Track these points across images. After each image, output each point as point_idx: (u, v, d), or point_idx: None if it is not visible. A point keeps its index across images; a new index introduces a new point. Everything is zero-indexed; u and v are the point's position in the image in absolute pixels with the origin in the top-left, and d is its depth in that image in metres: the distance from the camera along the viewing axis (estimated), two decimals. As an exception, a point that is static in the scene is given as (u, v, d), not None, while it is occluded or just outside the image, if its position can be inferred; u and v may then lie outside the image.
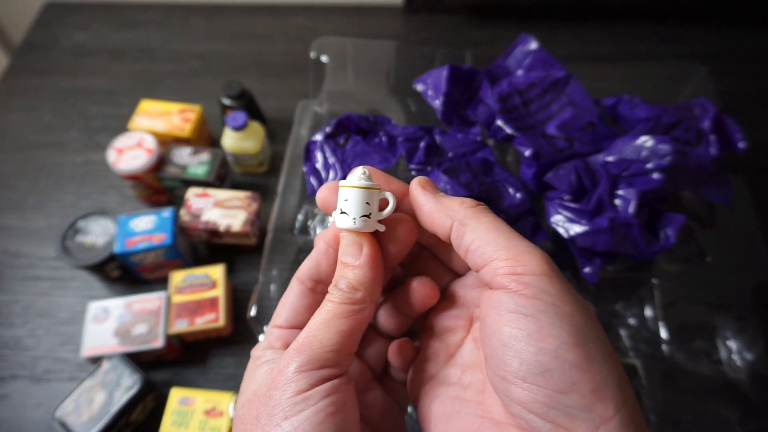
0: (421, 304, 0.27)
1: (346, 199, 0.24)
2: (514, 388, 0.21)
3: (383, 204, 0.25)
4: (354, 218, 0.24)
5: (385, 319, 0.28)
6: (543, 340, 0.20)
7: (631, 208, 0.44)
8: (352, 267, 0.24)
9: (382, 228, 0.25)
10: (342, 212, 0.24)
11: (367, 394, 0.27)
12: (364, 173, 0.25)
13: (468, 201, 0.25)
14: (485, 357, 0.23)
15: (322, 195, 0.26)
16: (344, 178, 0.47)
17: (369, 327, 0.29)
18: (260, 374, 0.25)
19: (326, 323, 0.23)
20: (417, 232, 0.26)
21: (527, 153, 0.47)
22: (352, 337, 0.23)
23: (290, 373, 0.22)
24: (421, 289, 0.27)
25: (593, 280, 0.44)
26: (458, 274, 0.29)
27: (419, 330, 0.30)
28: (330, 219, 0.53)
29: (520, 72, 0.54)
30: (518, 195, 0.46)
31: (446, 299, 0.28)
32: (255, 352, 0.26)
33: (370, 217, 0.24)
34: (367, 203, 0.24)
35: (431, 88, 0.51)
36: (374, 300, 0.24)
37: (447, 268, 0.28)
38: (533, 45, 0.54)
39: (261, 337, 0.47)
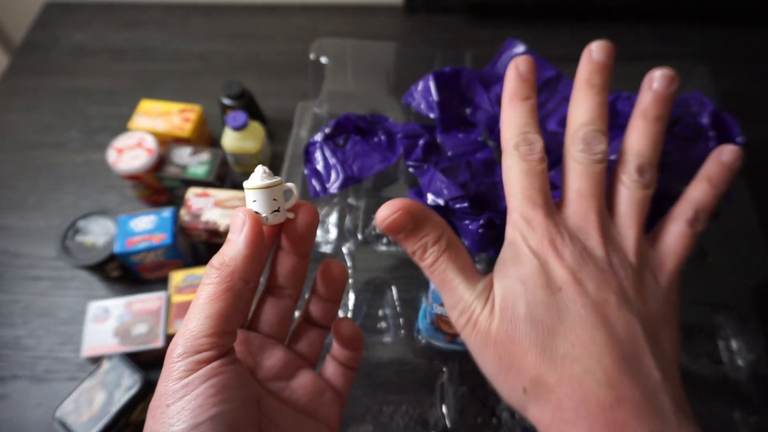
0: (332, 283, 0.29)
1: (255, 200, 0.26)
2: None
3: (288, 194, 0.27)
4: (266, 216, 0.26)
5: (312, 307, 0.30)
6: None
7: None
8: (231, 242, 0.25)
9: (291, 215, 0.27)
10: (254, 212, 0.26)
11: (294, 380, 0.29)
12: (265, 171, 0.27)
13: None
14: None
15: (384, 215, 0.28)
16: (346, 178, 0.47)
17: (302, 319, 0.31)
18: None
19: (198, 309, 0.24)
20: (317, 215, 0.28)
21: None
22: (224, 318, 0.24)
23: (170, 364, 0.23)
24: (326, 269, 0.29)
25: None
26: None
27: None
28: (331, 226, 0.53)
29: None
30: (518, 195, 0.46)
31: None
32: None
33: (279, 211, 0.26)
34: (274, 199, 0.26)
35: (423, 101, 0.51)
36: (246, 279, 0.25)
37: None
38: (520, 48, 0.54)
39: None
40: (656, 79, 0.29)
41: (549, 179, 0.28)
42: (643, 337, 0.25)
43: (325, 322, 0.30)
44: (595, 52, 0.30)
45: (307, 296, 0.31)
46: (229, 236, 0.26)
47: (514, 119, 0.29)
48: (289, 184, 0.27)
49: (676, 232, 0.29)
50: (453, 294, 0.28)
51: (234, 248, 0.25)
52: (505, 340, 0.26)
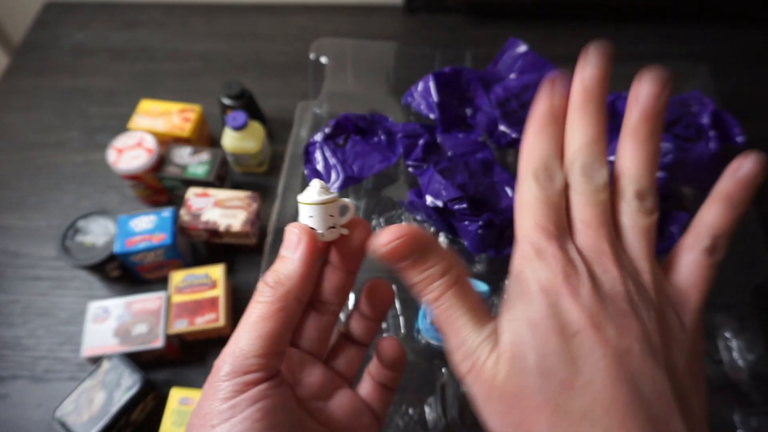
0: (379, 304, 0.28)
1: (311, 216, 0.25)
2: None
3: (343, 210, 0.27)
4: (322, 233, 0.25)
5: (354, 325, 0.29)
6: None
7: None
8: (285, 260, 0.25)
9: (346, 231, 0.26)
10: (310, 228, 0.26)
11: (332, 401, 0.28)
12: (322, 186, 0.26)
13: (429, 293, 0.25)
14: None
15: (385, 241, 0.25)
16: (347, 178, 0.47)
17: (341, 336, 0.30)
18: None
19: (250, 327, 0.23)
20: (371, 232, 0.27)
21: None
22: (276, 338, 0.23)
23: (216, 382, 0.23)
24: (374, 289, 0.28)
25: None
26: None
27: None
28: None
29: (512, 76, 0.53)
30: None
31: None
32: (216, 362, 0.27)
33: (335, 227, 0.26)
34: (330, 215, 0.25)
35: (423, 102, 0.51)
36: (300, 299, 0.24)
37: None
38: (522, 48, 0.54)
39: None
40: (645, 84, 0.25)
41: (565, 216, 0.25)
42: (672, 397, 0.22)
43: (365, 340, 0.29)
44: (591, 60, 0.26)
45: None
46: (283, 252, 0.25)
47: (539, 148, 0.26)
48: (346, 200, 0.27)
49: (693, 264, 0.25)
50: (456, 335, 0.24)
51: (289, 266, 0.24)
52: (514, 393, 0.22)
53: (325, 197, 0.25)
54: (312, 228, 0.25)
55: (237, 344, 0.23)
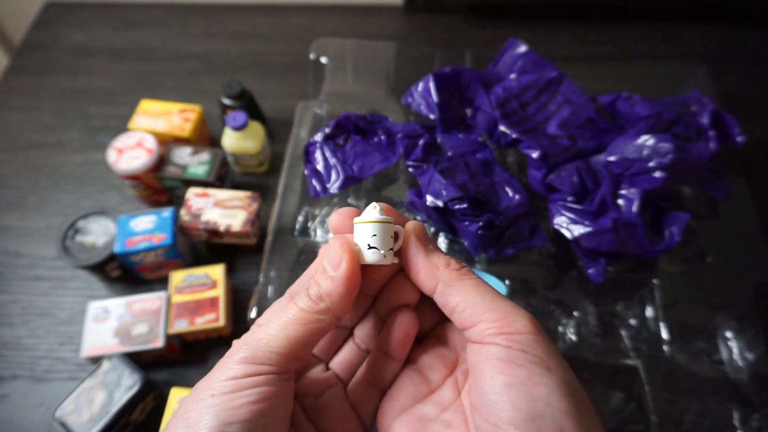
0: (401, 335, 0.28)
1: (375, 235, 0.25)
2: None
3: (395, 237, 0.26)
4: (384, 253, 0.25)
5: (363, 333, 0.29)
6: (535, 388, 0.22)
7: (635, 208, 0.44)
8: (327, 277, 0.25)
9: (396, 260, 0.26)
10: (371, 247, 0.25)
11: (322, 398, 0.28)
12: (380, 208, 0.26)
13: (453, 262, 0.26)
14: (473, 404, 0.24)
15: (335, 221, 0.27)
16: (346, 178, 0.47)
17: (355, 346, 0.30)
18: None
19: (281, 325, 0.24)
20: (398, 264, 0.27)
21: (535, 155, 0.47)
22: (303, 344, 0.24)
23: (232, 360, 0.24)
24: (401, 321, 0.27)
25: (599, 280, 0.44)
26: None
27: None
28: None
29: (513, 76, 0.53)
30: (517, 197, 0.46)
31: (434, 337, 0.29)
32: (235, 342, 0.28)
33: (392, 250, 0.25)
34: (391, 237, 0.25)
35: (423, 102, 0.51)
36: (337, 315, 0.25)
37: (437, 309, 0.28)
38: (522, 48, 0.54)
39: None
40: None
41: None
42: None
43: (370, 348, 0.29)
44: None
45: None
46: (325, 266, 0.25)
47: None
48: (398, 227, 0.26)
49: None
50: (493, 299, 0.25)
51: (330, 286, 0.25)
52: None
53: (386, 217, 0.25)
54: (374, 247, 0.25)
55: (264, 334, 0.24)
